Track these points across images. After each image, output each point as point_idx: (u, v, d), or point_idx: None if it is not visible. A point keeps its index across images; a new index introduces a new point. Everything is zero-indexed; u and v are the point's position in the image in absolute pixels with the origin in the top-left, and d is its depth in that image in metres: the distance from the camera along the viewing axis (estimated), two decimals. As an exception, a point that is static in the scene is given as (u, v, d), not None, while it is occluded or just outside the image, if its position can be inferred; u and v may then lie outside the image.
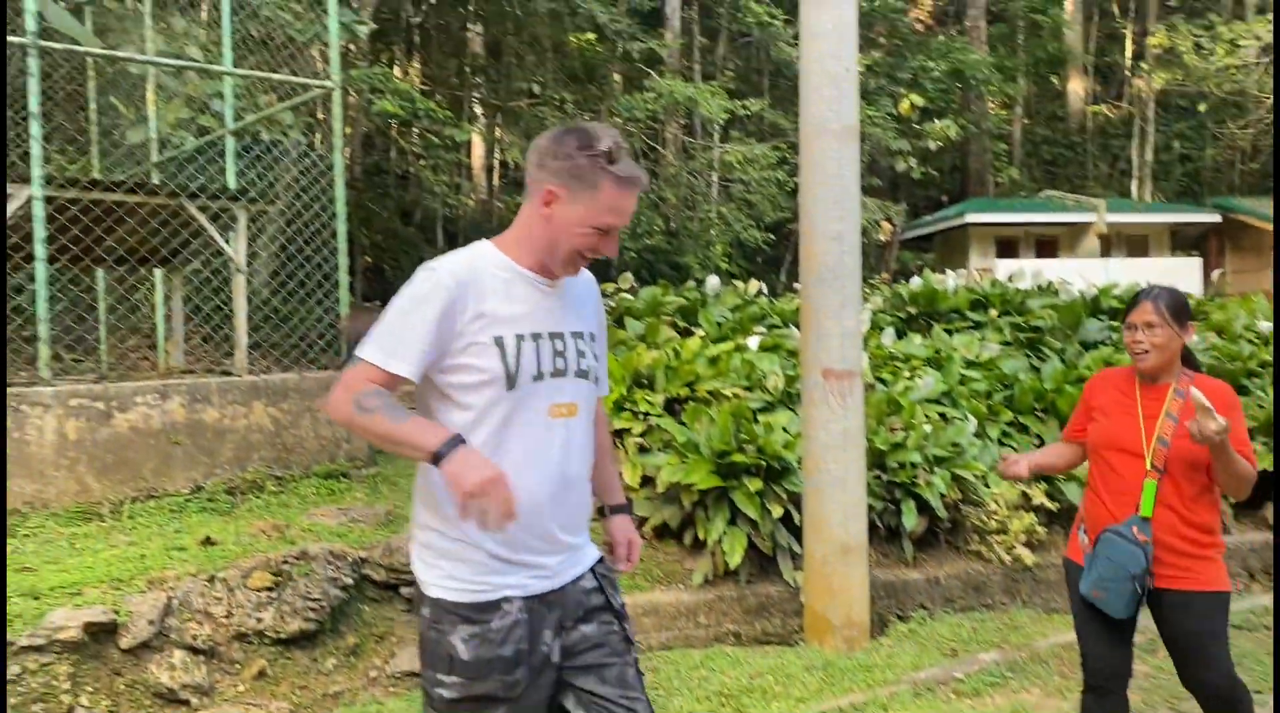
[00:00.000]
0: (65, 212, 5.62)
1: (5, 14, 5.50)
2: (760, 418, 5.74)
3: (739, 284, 8.65)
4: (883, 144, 22.15)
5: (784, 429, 5.59)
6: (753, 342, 6.93)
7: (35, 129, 5.39)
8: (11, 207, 5.40)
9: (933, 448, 5.74)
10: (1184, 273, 21.58)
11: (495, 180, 22.07)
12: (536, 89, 15.69)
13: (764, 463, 5.22)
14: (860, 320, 4.79)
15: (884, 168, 25.45)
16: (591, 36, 18.84)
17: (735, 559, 4.97)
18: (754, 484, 5.09)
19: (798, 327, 8.03)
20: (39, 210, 5.39)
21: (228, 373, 6.38)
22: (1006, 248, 23.38)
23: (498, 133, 17.67)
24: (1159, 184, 28.92)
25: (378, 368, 1.97)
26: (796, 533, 5.26)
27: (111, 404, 5.54)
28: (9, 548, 4.94)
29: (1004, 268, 21.15)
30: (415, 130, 16.51)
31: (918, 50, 24.56)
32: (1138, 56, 30.56)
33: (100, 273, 8.19)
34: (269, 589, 4.62)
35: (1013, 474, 3.11)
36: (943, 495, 5.53)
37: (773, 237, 21.59)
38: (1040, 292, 8.87)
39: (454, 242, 18.43)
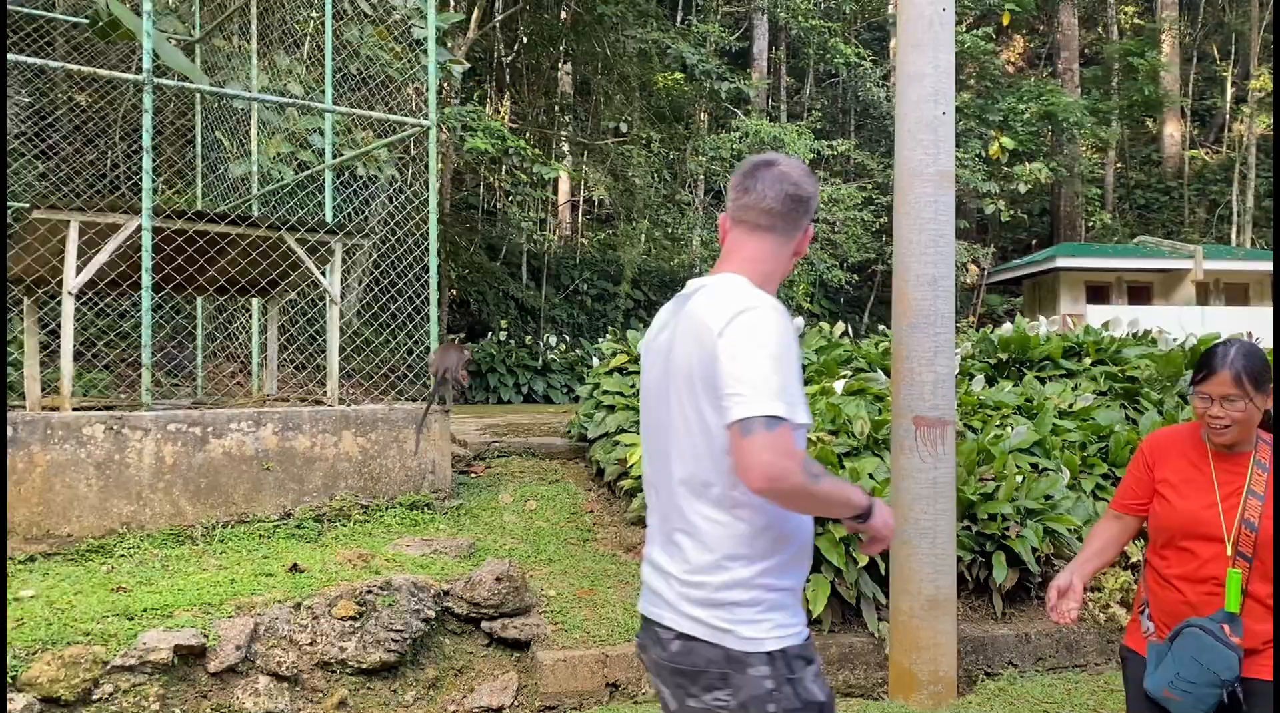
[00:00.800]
0: (171, 242, 5.81)
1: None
2: (846, 464, 5.65)
3: (824, 325, 8.57)
4: (972, 187, 21.90)
5: (870, 476, 5.49)
6: (838, 385, 6.84)
7: (146, 163, 5.60)
8: (120, 237, 5.60)
9: (1024, 500, 5.57)
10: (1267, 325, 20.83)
11: (580, 217, 22.33)
12: (624, 128, 15.83)
13: (850, 510, 5.12)
14: (954, 367, 4.69)
15: (971, 210, 25.14)
16: (679, 76, 19.04)
17: (818, 607, 4.87)
18: (839, 531, 5.00)
19: (885, 371, 7.93)
20: (147, 241, 5.59)
21: (319, 402, 6.51)
22: (1097, 294, 22.82)
23: (583, 170, 17.86)
24: (1260, 231, 28.00)
25: (793, 424, 1.85)
26: (881, 582, 5.15)
27: (208, 430, 5.68)
28: (105, 567, 5.09)
29: (1095, 314, 20.66)
30: (504, 167, 16.80)
31: (1008, 92, 24.27)
32: (1239, 100, 29.80)
33: (200, 302, 8.45)
34: (353, 619, 4.67)
35: (1074, 617, 2.70)
36: (1035, 549, 5.36)
37: (856, 277, 21.43)
38: (1135, 340, 8.61)
39: (538, 276, 18.66)
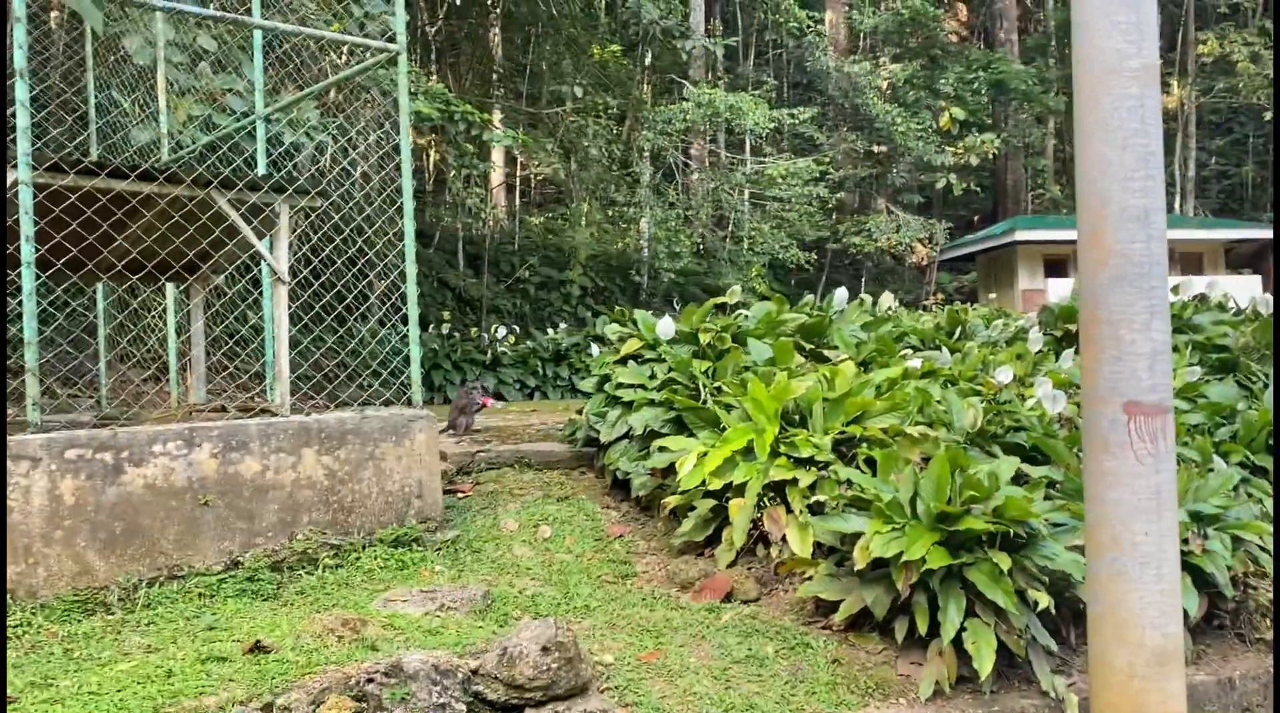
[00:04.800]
0: (61, 201, 4.28)
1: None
2: (974, 466, 4.39)
3: (866, 298, 7.33)
4: (926, 159, 21.01)
5: (1015, 482, 4.25)
6: (914, 364, 5.61)
7: (21, 91, 4.06)
8: (-10, 197, 4.07)
9: (1195, 502, 4.40)
10: (1243, 292, 20.42)
11: (516, 200, 20.76)
12: (577, 92, 14.38)
13: (1005, 530, 3.87)
14: (1170, 335, 3.46)
15: (916, 185, 24.27)
16: (616, 48, 17.63)
17: (986, 665, 3.61)
18: (1002, 560, 3.74)
19: (940, 348, 6.71)
20: (26, 199, 4.06)
21: (266, 411, 5.02)
22: (1055, 268, 22.14)
23: (526, 145, 16.35)
24: (1203, 200, 27.80)
25: None
26: (1049, 624, 3.93)
27: (122, 455, 4.18)
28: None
29: (1055, 288, 19.95)
30: (437, 138, 15.21)
31: (955, 61, 23.46)
32: (1169, 68, 29.55)
33: (100, 288, 6.85)
34: (349, 722, 3.25)
35: None
36: (1228, 568, 4.19)
37: (814, 255, 20.34)
38: (1201, 306, 7.57)
39: (476, 264, 17.10)
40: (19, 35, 4.08)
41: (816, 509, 4.49)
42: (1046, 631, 3.91)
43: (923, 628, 3.84)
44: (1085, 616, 3.57)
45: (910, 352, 6.29)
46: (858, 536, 4.06)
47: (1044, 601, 3.70)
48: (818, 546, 4.40)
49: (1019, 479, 4.59)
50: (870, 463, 4.62)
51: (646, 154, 18.11)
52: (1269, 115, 25.65)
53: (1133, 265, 3.36)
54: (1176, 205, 26.74)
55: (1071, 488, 4.57)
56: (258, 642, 3.61)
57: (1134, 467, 3.35)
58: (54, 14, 9.29)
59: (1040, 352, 6.26)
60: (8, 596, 3.92)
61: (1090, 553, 3.49)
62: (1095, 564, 3.47)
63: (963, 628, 3.73)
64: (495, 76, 15.96)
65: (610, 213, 18.93)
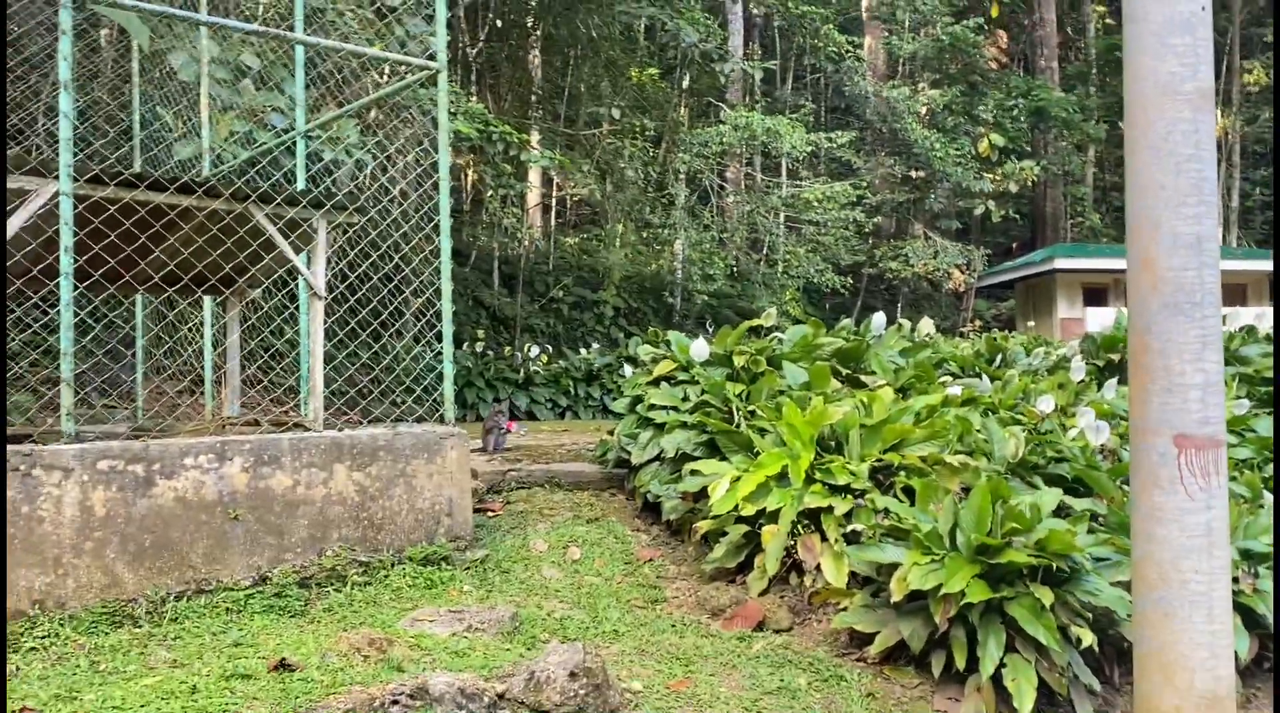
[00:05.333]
0: (99, 212, 4.30)
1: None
2: (1016, 499, 4.28)
3: (905, 323, 7.24)
4: (965, 185, 20.85)
5: (1060, 514, 4.15)
6: (954, 391, 5.51)
7: (65, 103, 4.08)
8: (31, 207, 4.09)
9: (1245, 539, 4.27)
10: (1288, 325, 20.09)
11: (552, 220, 20.82)
12: (615, 113, 14.40)
13: (1048, 564, 3.77)
14: (1223, 366, 3.36)
15: (954, 211, 24.08)
16: (654, 71, 17.65)
17: (1026, 703, 3.50)
18: (1044, 594, 3.64)
19: (980, 375, 6.60)
20: (68, 211, 4.07)
21: (299, 426, 5.01)
22: (1094, 297, 21.88)
23: (563, 167, 16.43)
24: (1247, 231, 27.41)
25: None
26: (1092, 661, 3.81)
27: (153, 468, 4.17)
28: (9, 668, 3.56)
29: (1095, 317, 19.72)
30: (476, 158, 15.30)
31: (995, 88, 23.30)
32: (1222, 99, 29.24)
33: (138, 300, 6.89)
34: (373, 744, 3.20)
35: None
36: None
37: (850, 280, 20.21)
38: (1249, 338, 7.42)
39: (510, 284, 17.14)
40: (64, 48, 4.11)
41: (852, 538, 4.40)
42: (1089, 669, 3.79)
43: (961, 663, 3.74)
44: (1130, 654, 3.47)
45: (949, 379, 6.19)
46: (895, 566, 3.96)
47: (1087, 638, 3.59)
48: (853, 576, 4.31)
49: (1061, 512, 4.48)
50: (908, 492, 4.53)
51: (682, 176, 18.11)
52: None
53: (1184, 293, 3.26)
54: (1220, 236, 26.42)
55: (1115, 522, 4.46)
56: (283, 660, 3.57)
57: (1184, 502, 3.24)
58: (104, 31, 9.44)
59: (1082, 381, 6.14)
60: (36, 606, 3.91)
61: (1137, 590, 3.38)
62: (1142, 602, 3.36)
63: (1002, 664, 3.63)
64: (534, 98, 16.02)
65: (645, 234, 18.92)
